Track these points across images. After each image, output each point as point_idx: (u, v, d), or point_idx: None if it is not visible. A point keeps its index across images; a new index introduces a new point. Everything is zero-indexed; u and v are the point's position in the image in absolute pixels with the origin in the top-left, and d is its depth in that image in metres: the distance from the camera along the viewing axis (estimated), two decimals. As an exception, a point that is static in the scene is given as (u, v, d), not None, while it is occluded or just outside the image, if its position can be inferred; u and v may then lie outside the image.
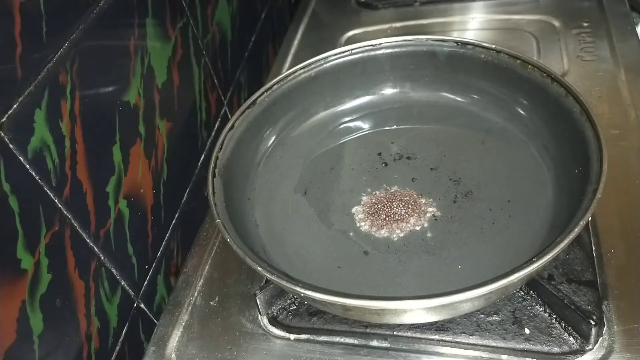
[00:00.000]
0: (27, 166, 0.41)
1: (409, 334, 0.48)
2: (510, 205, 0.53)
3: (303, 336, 0.50)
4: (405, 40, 0.63)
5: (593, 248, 0.51)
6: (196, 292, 0.55)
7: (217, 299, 0.55)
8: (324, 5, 0.94)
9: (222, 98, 0.74)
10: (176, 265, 0.62)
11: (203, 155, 0.69)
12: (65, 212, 0.45)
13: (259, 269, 0.44)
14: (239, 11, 0.79)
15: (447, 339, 0.48)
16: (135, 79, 0.54)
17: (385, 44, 0.63)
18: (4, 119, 0.39)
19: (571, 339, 0.46)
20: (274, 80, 0.61)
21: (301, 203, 0.58)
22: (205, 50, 0.69)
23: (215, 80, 0.72)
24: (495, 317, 0.48)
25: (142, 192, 0.56)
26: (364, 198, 0.57)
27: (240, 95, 0.80)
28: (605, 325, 0.46)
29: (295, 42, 0.87)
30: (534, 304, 0.48)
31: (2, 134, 0.39)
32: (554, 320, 0.47)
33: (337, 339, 0.49)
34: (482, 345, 0.47)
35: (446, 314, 0.46)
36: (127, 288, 0.53)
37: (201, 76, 0.68)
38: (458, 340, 0.47)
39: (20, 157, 0.40)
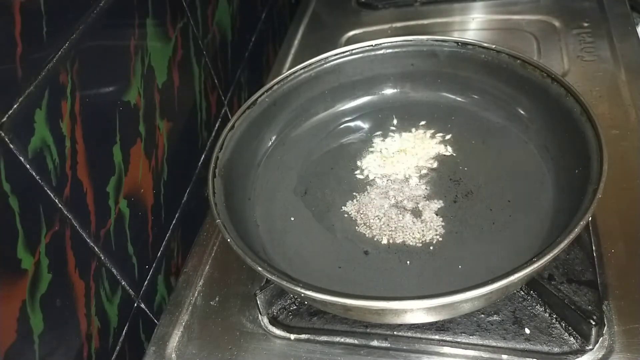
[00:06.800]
0: (28, 166, 0.41)
1: (409, 334, 0.48)
2: (510, 205, 0.53)
3: (303, 336, 0.50)
4: (406, 41, 0.63)
5: (593, 248, 0.51)
6: (196, 292, 0.56)
7: (217, 299, 0.55)
8: (324, 6, 0.94)
9: (223, 98, 0.74)
10: (176, 265, 0.62)
11: (203, 155, 0.69)
12: (66, 212, 0.45)
13: (259, 269, 0.44)
14: (240, 11, 0.79)
15: (448, 339, 0.48)
16: (136, 79, 0.54)
17: (386, 44, 0.63)
18: (4, 119, 0.39)
19: (571, 339, 0.46)
20: (274, 80, 0.61)
21: (301, 203, 0.58)
22: (206, 50, 0.69)
23: (216, 80, 0.72)
24: (495, 317, 0.48)
25: (143, 192, 0.56)
26: (364, 198, 0.57)
27: (240, 95, 0.80)
28: (606, 325, 0.46)
29: (296, 42, 0.87)
30: (534, 304, 0.48)
31: (3, 134, 0.39)
32: (554, 320, 0.47)
33: (337, 339, 0.49)
34: (482, 345, 0.47)
35: (446, 314, 0.46)
36: (128, 288, 0.53)
37: (201, 76, 0.68)
38: (458, 340, 0.47)
39: (21, 157, 0.40)
